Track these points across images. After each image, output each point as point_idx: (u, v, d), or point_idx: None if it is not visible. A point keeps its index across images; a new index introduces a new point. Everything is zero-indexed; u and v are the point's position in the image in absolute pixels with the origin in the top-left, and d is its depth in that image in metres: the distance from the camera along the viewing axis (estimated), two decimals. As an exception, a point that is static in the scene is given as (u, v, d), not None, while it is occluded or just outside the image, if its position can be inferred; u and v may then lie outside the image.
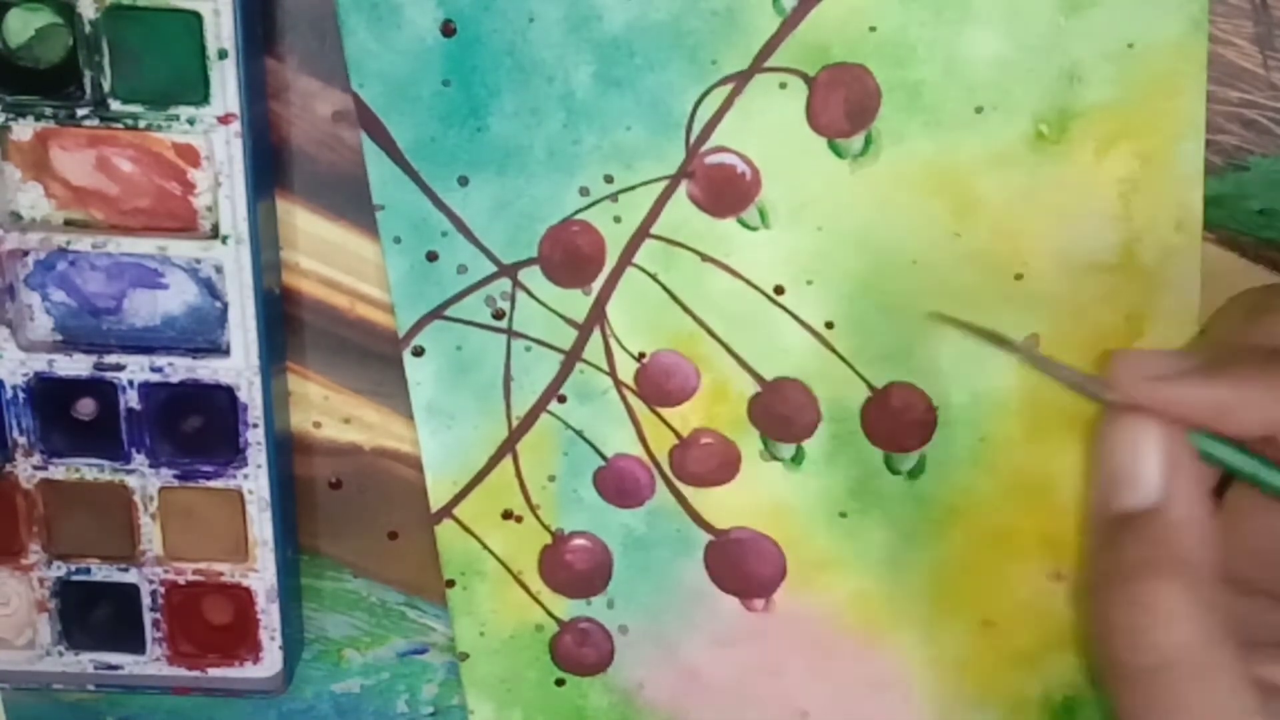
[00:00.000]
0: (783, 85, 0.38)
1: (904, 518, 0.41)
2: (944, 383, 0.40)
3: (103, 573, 0.40)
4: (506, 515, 0.42)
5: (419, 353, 0.40)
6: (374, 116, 0.38)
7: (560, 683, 0.43)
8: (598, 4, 0.37)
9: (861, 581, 0.42)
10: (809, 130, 0.38)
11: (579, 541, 0.42)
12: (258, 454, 0.39)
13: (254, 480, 0.39)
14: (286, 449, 0.41)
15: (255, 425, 0.39)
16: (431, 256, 0.39)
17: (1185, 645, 0.29)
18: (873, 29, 0.37)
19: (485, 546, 0.42)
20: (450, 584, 0.42)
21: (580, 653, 0.43)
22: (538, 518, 0.42)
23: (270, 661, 0.41)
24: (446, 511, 0.41)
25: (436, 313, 0.40)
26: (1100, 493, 0.31)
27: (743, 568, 0.42)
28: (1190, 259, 0.39)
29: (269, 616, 0.41)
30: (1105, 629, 0.30)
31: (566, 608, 0.43)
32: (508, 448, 0.41)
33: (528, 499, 0.42)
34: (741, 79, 0.38)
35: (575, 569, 0.42)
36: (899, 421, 0.40)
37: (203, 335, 0.39)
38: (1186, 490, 0.30)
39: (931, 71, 0.37)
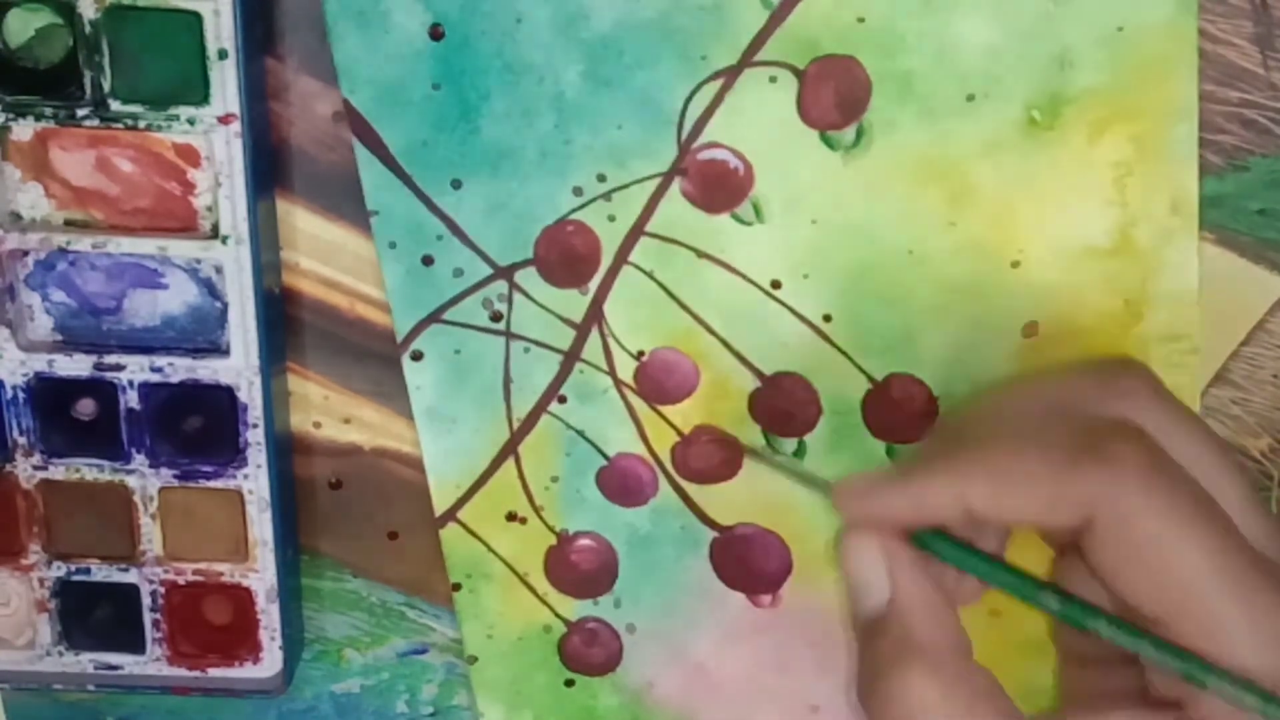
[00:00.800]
0: (773, 79, 0.38)
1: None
2: (945, 373, 0.40)
3: (103, 573, 0.40)
4: (511, 517, 0.42)
5: (418, 357, 0.40)
6: (365, 122, 0.38)
7: (570, 683, 0.43)
8: (585, 3, 0.37)
9: (868, 576, 0.42)
10: (800, 123, 0.38)
11: (584, 541, 0.42)
12: (258, 454, 0.39)
13: (254, 480, 0.39)
14: (286, 449, 0.41)
15: (255, 425, 0.39)
16: (427, 261, 0.39)
17: (936, 712, 0.32)
18: (861, 20, 0.37)
19: (490, 549, 0.42)
20: (456, 587, 0.42)
21: (589, 653, 0.43)
22: (542, 519, 0.42)
23: (270, 661, 0.41)
24: (451, 515, 0.41)
25: (434, 317, 0.40)
26: (851, 604, 0.34)
27: (749, 564, 0.42)
28: (1187, 241, 0.39)
29: (269, 616, 0.41)
30: None
31: (574, 608, 0.42)
32: (509, 449, 0.41)
33: (531, 500, 0.41)
34: (731, 74, 0.38)
35: (581, 569, 0.42)
36: (900, 413, 0.40)
37: (203, 335, 0.39)
38: (910, 585, 0.33)
39: (922, 61, 0.38)
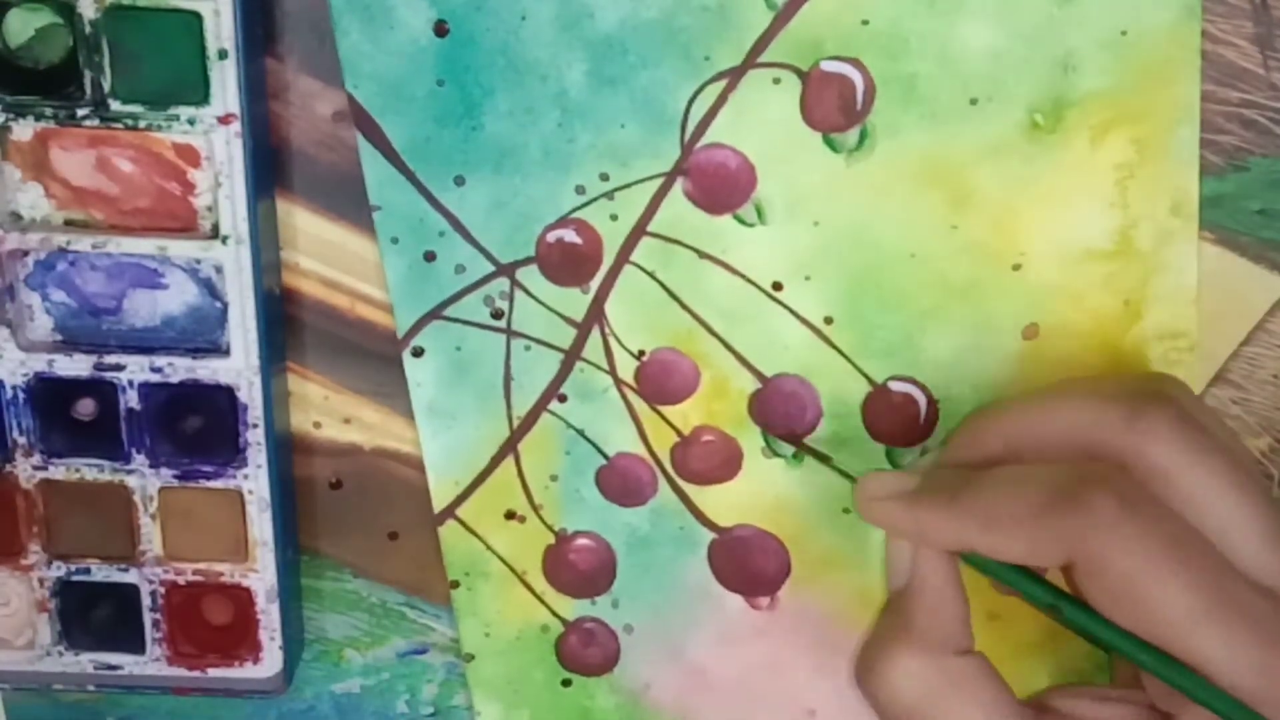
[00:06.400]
0: (776, 80, 0.38)
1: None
2: (945, 376, 0.40)
3: (103, 573, 0.40)
4: (509, 515, 0.42)
5: (419, 353, 0.40)
6: (369, 117, 0.38)
7: (567, 683, 0.43)
8: (590, 2, 0.37)
9: (866, 577, 0.42)
10: (804, 125, 0.38)
11: (582, 541, 0.42)
12: (258, 454, 0.39)
13: (254, 480, 0.39)
14: (286, 449, 0.41)
15: (255, 425, 0.39)
16: (429, 257, 0.39)
17: (915, 693, 0.35)
18: (865, 22, 0.37)
19: (489, 547, 0.42)
20: (454, 585, 0.42)
21: (586, 653, 0.43)
22: (540, 518, 0.42)
23: (270, 662, 0.41)
24: (449, 512, 0.41)
25: (435, 313, 0.40)
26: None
27: (747, 565, 0.42)
28: (1187, 243, 0.39)
29: (269, 617, 0.41)
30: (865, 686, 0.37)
31: (571, 608, 0.42)
32: (509, 448, 0.41)
33: (530, 499, 0.41)
34: (735, 75, 0.38)
35: (579, 569, 0.42)
36: (900, 416, 0.40)
37: (203, 335, 0.39)
38: (927, 574, 0.36)
39: (925, 64, 0.37)
